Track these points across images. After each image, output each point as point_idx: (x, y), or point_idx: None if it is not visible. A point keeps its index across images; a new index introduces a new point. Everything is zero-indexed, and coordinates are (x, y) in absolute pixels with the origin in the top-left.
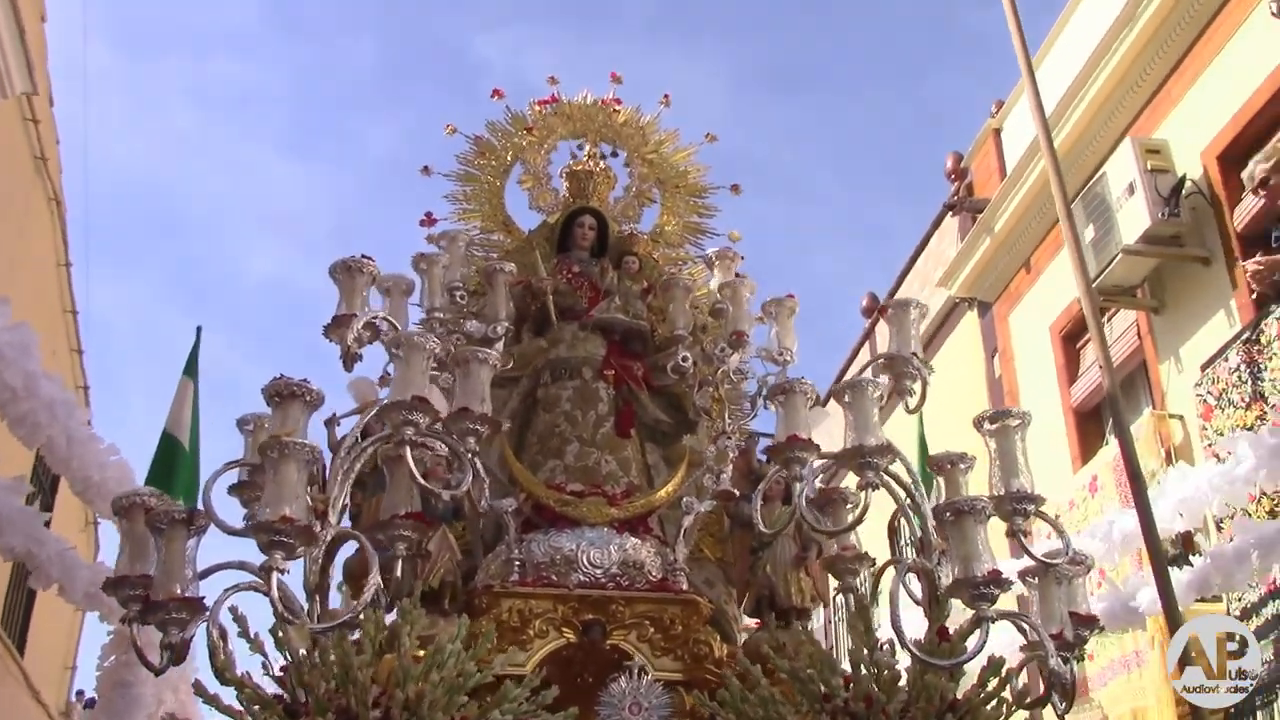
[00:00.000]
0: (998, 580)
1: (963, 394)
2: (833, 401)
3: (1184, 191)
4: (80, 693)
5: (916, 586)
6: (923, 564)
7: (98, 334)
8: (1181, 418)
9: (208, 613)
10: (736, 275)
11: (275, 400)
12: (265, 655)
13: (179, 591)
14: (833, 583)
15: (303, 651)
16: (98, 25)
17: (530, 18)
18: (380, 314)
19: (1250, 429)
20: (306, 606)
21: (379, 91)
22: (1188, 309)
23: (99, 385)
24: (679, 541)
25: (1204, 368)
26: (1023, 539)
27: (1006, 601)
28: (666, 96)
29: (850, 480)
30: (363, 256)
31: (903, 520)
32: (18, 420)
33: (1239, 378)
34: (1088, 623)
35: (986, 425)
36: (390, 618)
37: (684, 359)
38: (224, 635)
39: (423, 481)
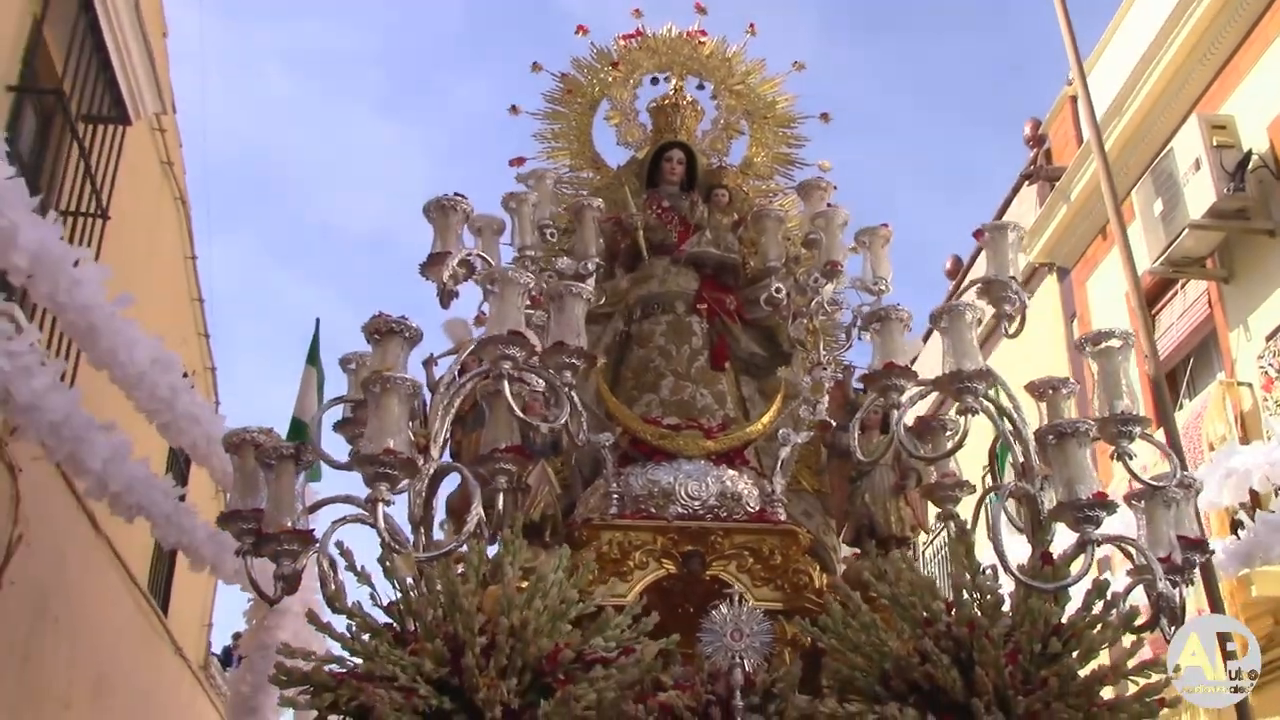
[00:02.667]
0: (1104, 503)
1: (1043, 357)
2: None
3: (1250, 166)
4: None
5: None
6: (1024, 489)
7: (212, 298)
8: (1250, 385)
9: (317, 544)
10: (829, 205)
11: (375, 338)
12: (373, 586)
13: (289, 524)
14: (932, 510)
15: (410, 581)
16: None
17: None
18: (475, 251)
19: None
20: (411, 539)
21: (467, 48)
22: (1256, 279)
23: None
24: (776, 473)
25: (1269, 338)
26: (1127, 462)
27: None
28: (752, 25)
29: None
30: (455, 194)
31: (1002, 446)
32: (164, 426)
33: None
34: (1197, 547)
35: (1089, 347)
36: (493, 550)
37: (777, 290)
38: (334, 566)
39: (520, 414)
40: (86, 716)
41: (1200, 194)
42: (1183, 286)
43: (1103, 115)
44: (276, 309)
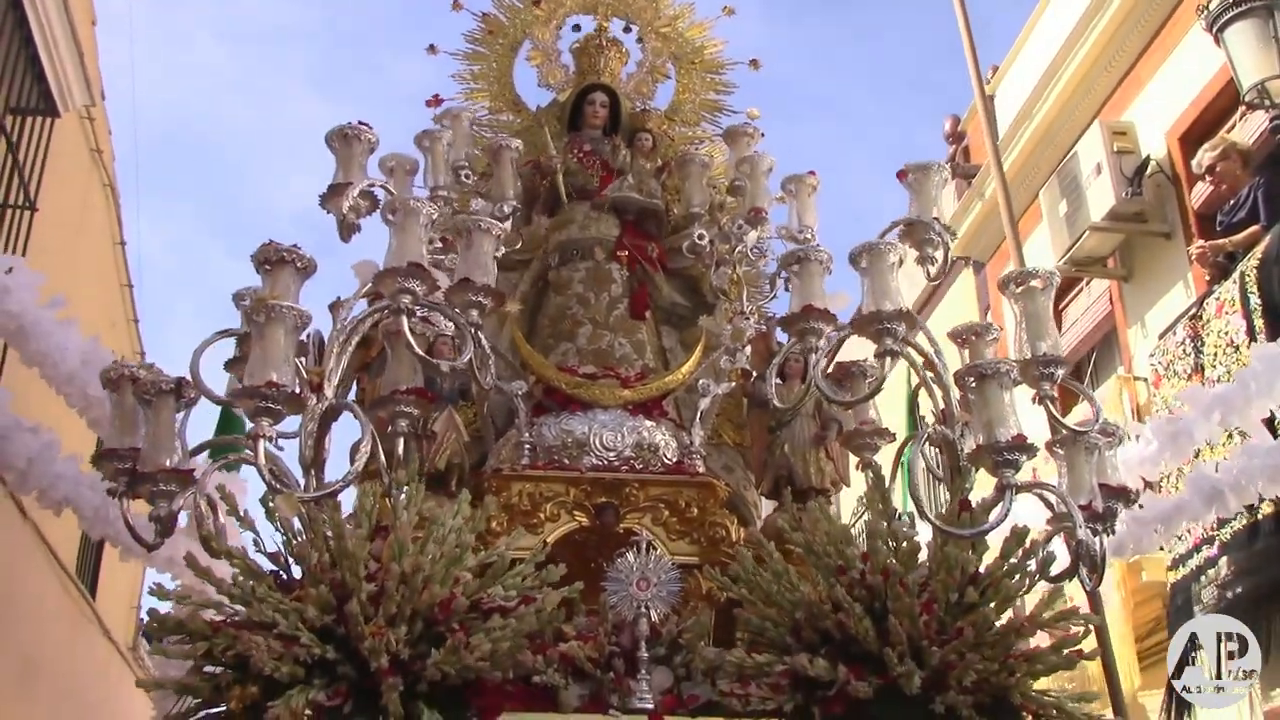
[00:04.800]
0: (1023, 446)
1: None
2: None
3: (1148, 171)
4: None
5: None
6: (944, 434)
7: (141, 278)
8: (1146, 380)
9: (195, 485)
10: (754, 152)
11: (265, 268)
12: (256, 532)
13: (167, 463)
14: (853, 460)
15: (294, 523)
16: None
17: None
18: (378, 182)
19: None
20: (301, 482)
21: (407, 25)
22: (1152, 279)
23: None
24: (695, 425)
25: (1161, 337)
26: (1050, 405)
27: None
28: None
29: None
30: (360, 123)
31: (923, 393)
32: (95, 422)
33: (1184, 350)
34: (1119, 494)
35: (1012, 287)
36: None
37: (700, 237)
38: (213, 507)
39: (419, 352)
40: (13, 700)
41: (1101, 197)
42: (1087, 284)
43: (1015, 116)
44: (207, 286)
